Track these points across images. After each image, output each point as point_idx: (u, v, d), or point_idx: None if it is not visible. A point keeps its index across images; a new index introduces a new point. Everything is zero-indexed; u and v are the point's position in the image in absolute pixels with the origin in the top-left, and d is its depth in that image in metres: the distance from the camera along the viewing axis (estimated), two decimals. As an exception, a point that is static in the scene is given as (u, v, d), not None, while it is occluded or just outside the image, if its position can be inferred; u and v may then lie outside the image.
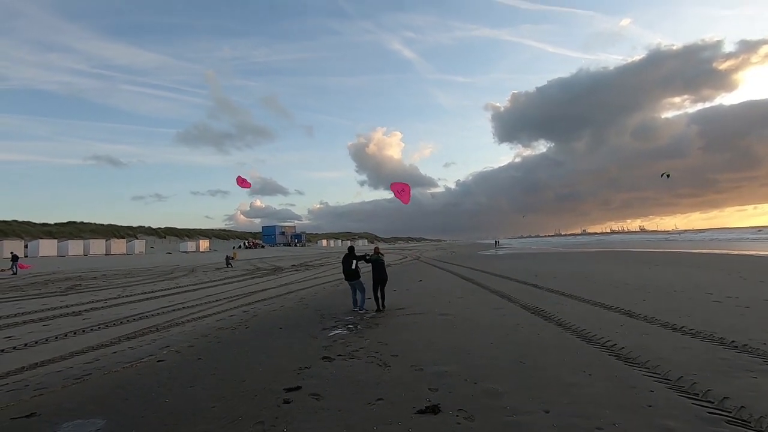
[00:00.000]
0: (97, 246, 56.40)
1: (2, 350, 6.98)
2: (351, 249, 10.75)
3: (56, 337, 7.89)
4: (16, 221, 64.00)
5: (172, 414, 4.15)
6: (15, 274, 26.16)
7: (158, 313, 10.42)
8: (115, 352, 6.72)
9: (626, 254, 33.24)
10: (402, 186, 14.41)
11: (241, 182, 18.92)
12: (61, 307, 11.73)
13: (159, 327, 8.67)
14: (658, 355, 5.48)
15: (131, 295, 14.43)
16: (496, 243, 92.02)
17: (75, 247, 53.12)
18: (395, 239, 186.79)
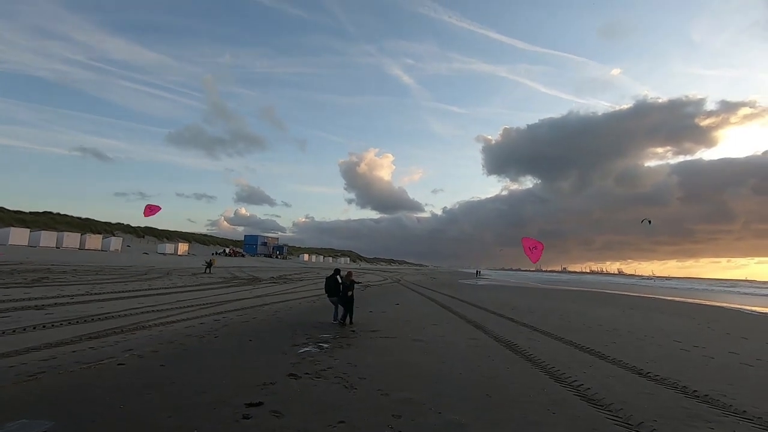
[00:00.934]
0: (71, 239, 54.73)
1: (-46, 339, 6.68)
2: (337, 271, 11.28)
3: (14, 331, 7.58)
4: (-11, 206, 61.90)
5: (124, 421, 4.00)
6: None
7: (126, 315, 10.11)
8: (74, 351, 6.48)
9: (603, 296, 33.71)
10: (535, 243, 14.27)
11: (149, 211, 18.61)
12: (23, 300, 11.30)
13: (124, 329, 8.41)
14: (622, 399, 5.53)
15: (100, 293, 14.00)
16: (477, 273, 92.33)
17: (47, 238, 51.43)
18: (377, 260, 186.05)
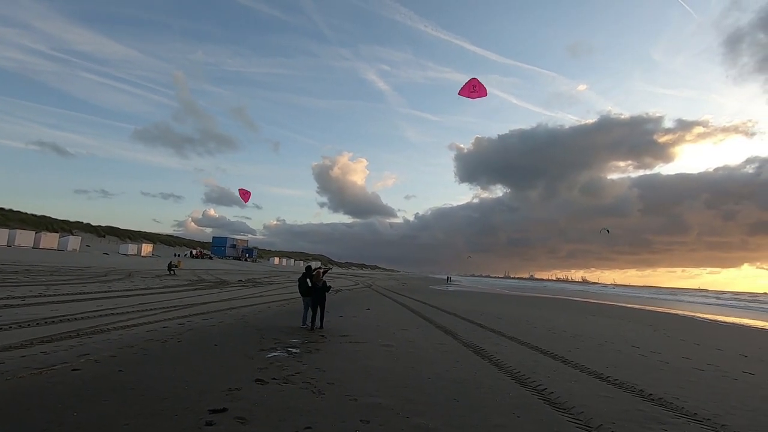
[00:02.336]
0: (25, 238, 51.71)
1: None
2: (308, 269, 11.06)
3: (-43, 334, 7.08)
4: (-68, 200, 57.71)
5: (77, 429, 3.80)
6: None
7: (82, 318, 9.63)
8: (23, 356, 6.11)
9: (567, 303, 34.80)
10: (473, 83, 14.01)
11: (243, 194, 18.00)
12: (-31, 301, 10.59)
13: (81, 332, 8.01)
14: (583, 402, 5.71)
15: (55, 295, 13.29)
16: (448, 279, 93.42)
17: (-2, 236, 48.45)
18: (350, 264, 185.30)
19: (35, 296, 12.68)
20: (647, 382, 7.19)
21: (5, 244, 48.49)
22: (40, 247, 52.36)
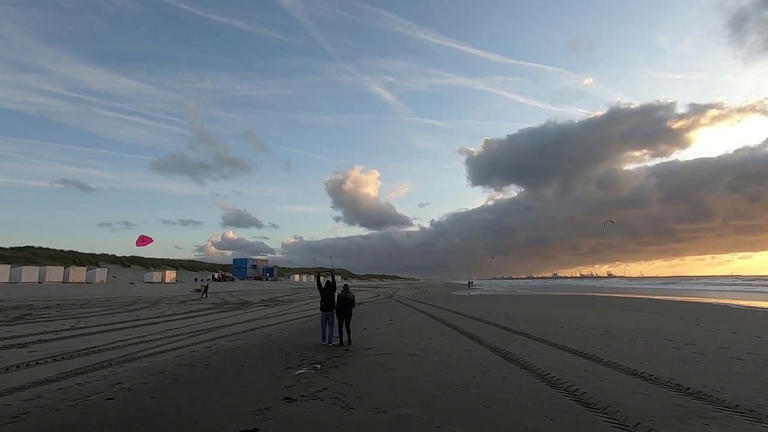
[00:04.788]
0: (54, 273, 53.38)
1: (-67, 384, 6.43)
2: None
3: (-4, 371, 7.33)
4: (-33, 244, 60.19)
5: (115, 457, 3.88)
6: None
7: (113, 347, 9.86)
8: (60, 389, 6.28)
9: (593, 299, 34.00)
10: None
11: (141, 241, 18.34)
12: (6, 338, 10.95)
13: (112, 362, 8.19)
14: (618, 401, 5.56)
15: (86, 327, 13.64)
16: (469, 284, 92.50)
17: (29, 273, 50.09)
18: (369, 276, 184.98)
19: (67, 329, 13.04)
20: (684, 376, 6.96)
21: (37, 280, 50.13)
22: (69, 281, 53.93)
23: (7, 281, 46.72)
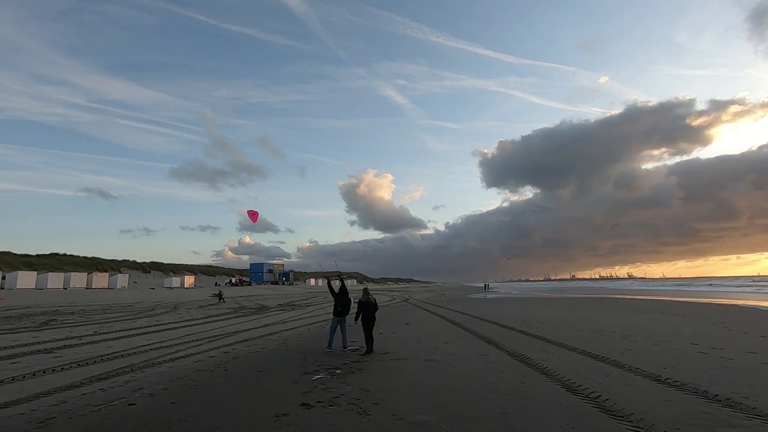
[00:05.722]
0: (78, 279, 54.84)
1: (-36, 389, 6.65)
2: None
3: (23, 377, 7.54)
4: (-4, 251, 62.34)
5: (137, 463, 3.94)
6: None
7: (134, 352, 10.05)
8: (84, 394, 6.43)
9: (614, 301, 33.26)
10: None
11: (252, 215, 18.40)
12: (32, 344, 11.27)
13: (134, 367, 8.35)
14: (642, 408, 5.41)
15: (108, 332, 13.95)
16: (486, 286, 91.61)
17: (54, 279, 51.58)
18: (385, 280, 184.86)
19: (91, 335, 13.35)
20: (711, 382, 6.73)
21: (62, 286, 51.56)
22: (93, 287, 55.31)
23: (34, 287, 48.15)
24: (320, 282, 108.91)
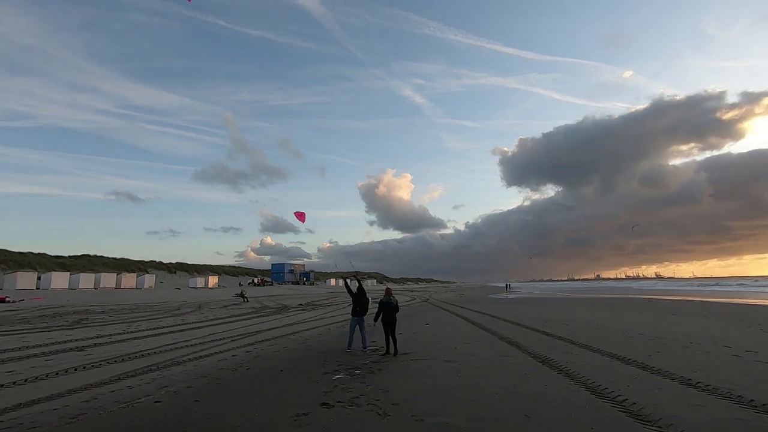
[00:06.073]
0: (108, 280, 56.82)
1: (2, 385, 6.96)
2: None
3: (56, 373, 7.85)
4: (32, 253, 65.17)
5: (163, 460, 4.03)
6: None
7: (160, 351, 10.32)
8: (113, 391, 6.63)
9: (641, 302, 32.29)
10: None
11: (299, 216, 18.52)
12: (65, 342, 11.72)
13: (160, 365, 8.58)
14: (671, 413, 5.22)
15: (136, 331, 14.38)
16: (507, 286, 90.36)
17: (86, 280, 53.58)
18: (405, 280, 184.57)
19: (119, 333, 13.79)
20: (745, 386, 6.44)
21: (92, 287, 53.50)
22: (122, 287, 57.20)
23: (67, 287, 50.12)
24: (340, 282, 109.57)
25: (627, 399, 5.83)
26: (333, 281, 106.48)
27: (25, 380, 7.31)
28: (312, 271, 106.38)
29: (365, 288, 10.98)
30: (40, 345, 11.16)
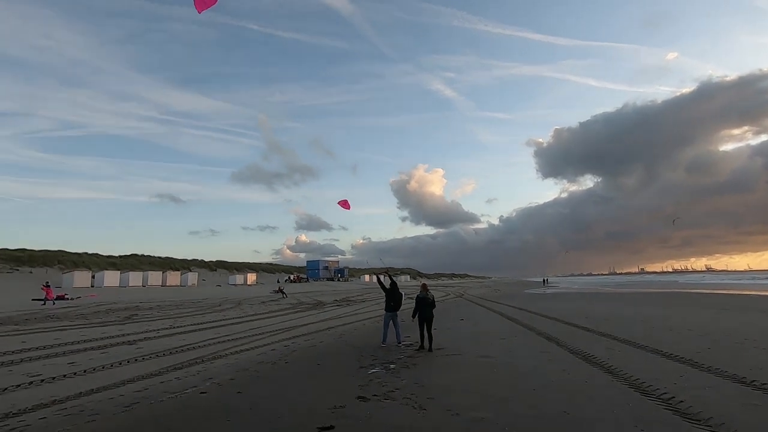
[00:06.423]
0: (155, 278, 59.81)
1: (65, 375, 7.51)
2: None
3: (111, 365, 8.38)
4: (86, 253, 69.74)
5: (209, 447, 4.25)
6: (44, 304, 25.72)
7: (204, 345, 10.80)
8: (162, 382, 7.02)
9: (688, 296, 30.64)
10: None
11: (343, 204, 18.75)
12: (118, 336, 12.48)
13: (204, 359, 8.98)
14: (722, 412, 4.96)
15: (181, 327, 15.09)
16: (544, 281, 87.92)
17: (135, 278, 56.64)
18: (438, 275, 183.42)
19: (166, 329, 14.53)
20: (808, 386, 6.01)
21: (141, 284, 56.49)
22: (167, 284, 60.02)
23: (118, 285, 53.18)
24: (374, 279, 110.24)
25: (674, 397, 5.59)
26: (367, 277, 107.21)
27: (84, 371, 7.86)
28: (346, 268, 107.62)
29: (398, 284, 11.04)
30: (96, 339, 11.94)
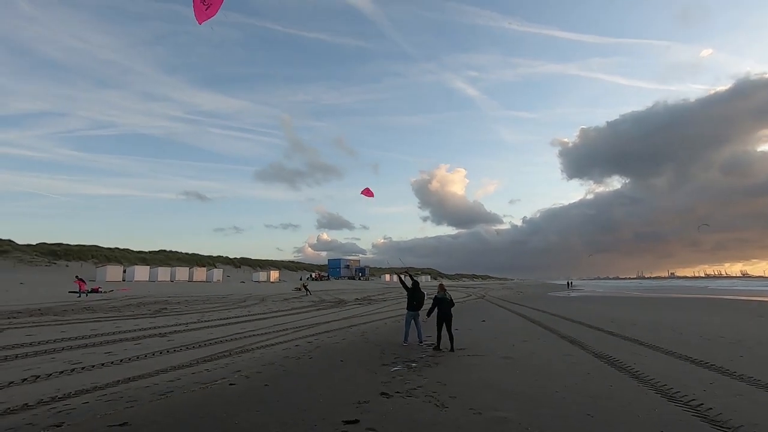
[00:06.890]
0: (182, 273, 61.68)
1: (103, 364, 7.93)
2: (417, 284, 10.80)
3: (145, 356, 8.78)
4: (118, 248, 72.60)
5: (240, 435, 4.45)
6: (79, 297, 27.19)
7: (231, 339, 11.15)
8: (193, 373, 7.33)
9: (721, 302, 29.50)
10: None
11: (367, 193, 18.90)
12: (150, 328, 13.01)
13: (231, 352, 9.29)
14: (754, 420, 4.85)
15: (209, 321, 15.58)
16: (569, 284, 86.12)
17: (163, 273, 58.57)
18: (460, 276, 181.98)
19: (195, 322, 15.03)
20: None
21: (169, 279, 58.34)
22: (193, 280, 61.77)
23: (147, 280, 55.09)
24: (395, 278, 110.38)
25: (702, 404, 5.49)
26: (387, 277, 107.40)
27: (120, 360, 8.27)
28: (367, 267, 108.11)
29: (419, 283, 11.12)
30: (129, 330, 12.48)
